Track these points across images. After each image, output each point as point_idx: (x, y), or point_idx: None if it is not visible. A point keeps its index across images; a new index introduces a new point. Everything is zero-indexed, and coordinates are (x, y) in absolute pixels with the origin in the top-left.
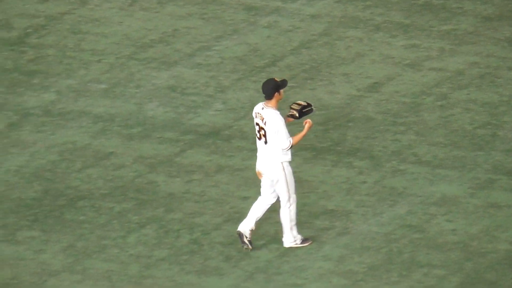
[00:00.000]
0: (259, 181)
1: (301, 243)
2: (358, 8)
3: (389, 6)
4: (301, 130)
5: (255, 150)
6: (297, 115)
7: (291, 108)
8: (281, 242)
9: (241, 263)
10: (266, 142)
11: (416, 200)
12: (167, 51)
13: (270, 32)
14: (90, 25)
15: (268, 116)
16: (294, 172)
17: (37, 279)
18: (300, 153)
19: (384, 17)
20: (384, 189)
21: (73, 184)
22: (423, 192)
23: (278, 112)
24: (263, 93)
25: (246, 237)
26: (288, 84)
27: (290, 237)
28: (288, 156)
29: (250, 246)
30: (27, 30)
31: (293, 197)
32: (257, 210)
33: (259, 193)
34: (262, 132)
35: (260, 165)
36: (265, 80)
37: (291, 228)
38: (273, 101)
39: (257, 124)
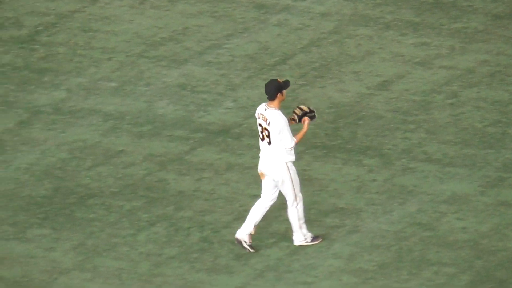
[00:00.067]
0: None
1: (312, 241)
2: (368, 6)
3: (399, 4)
4: (301, 128)
5: None
6: (297, 120)
7: (294, 112)
8: (291, 240)
9: (251, 261)
10: (269, 143)
11: (426, 198)
12: (178, 49)
13: (280, 30)
14: (100, 23)
15: (271, 116)
16: (304, 170)
17: (47, 277)
18: (310, 151)
19: (394, 15)
20: (394, 187)
21: (83, 182)
22: (433, 190)
23: (281, 112)
24: (266, 93)
25: (246, 242)
26: (298, 82)
27: (300, 236)
28: (292, 156)
29: (251, 250)
30: (38, 28)
31: (299, 196)
32: (255, 214)
33: None
34: (265, 132)
35: (264, 166)
36: (272, 78)
37: (300, 227)
38: (276, 101)
39: (260, 125)
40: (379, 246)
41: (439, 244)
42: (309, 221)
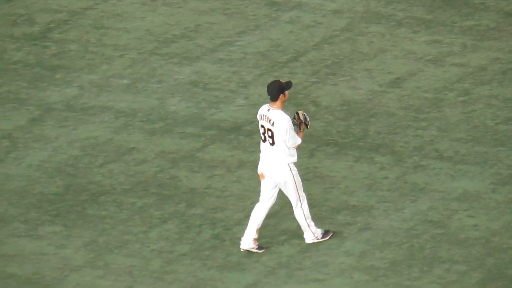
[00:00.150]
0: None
1: (322, 237)
2: (380, 4)
3: (411, 2)
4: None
5: None
6: (297, 124)
7: (297, 114)
8: (302, 238)
9: (263, 258)
10: (272, 144)
11: (437, 195)
12: (190, 46)
13: (292, 27)
14: (112, 20)
15: (275, 116)
16: (315, 168)
17: (59, 274)
18: (322, 148)
19: (406, 13)
20: (405, 184)
21: (95, 179)
22: (444, 188)
23: (284, 112)
24: (268, 94)
25: (254, 248)
26: (310, 80)
27: (310, 234)
28: (294, 157)
29: (261, 251)
30: (50, 25)
31: (303, 195)
32: (256, 218)
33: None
34: (268, 133)
35: (265, 168)
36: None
37: (308, 225)
38: (278, 102)
39: (263, 126)
40: (391, 244)
41: (450, 242)
42: (321, 218)
